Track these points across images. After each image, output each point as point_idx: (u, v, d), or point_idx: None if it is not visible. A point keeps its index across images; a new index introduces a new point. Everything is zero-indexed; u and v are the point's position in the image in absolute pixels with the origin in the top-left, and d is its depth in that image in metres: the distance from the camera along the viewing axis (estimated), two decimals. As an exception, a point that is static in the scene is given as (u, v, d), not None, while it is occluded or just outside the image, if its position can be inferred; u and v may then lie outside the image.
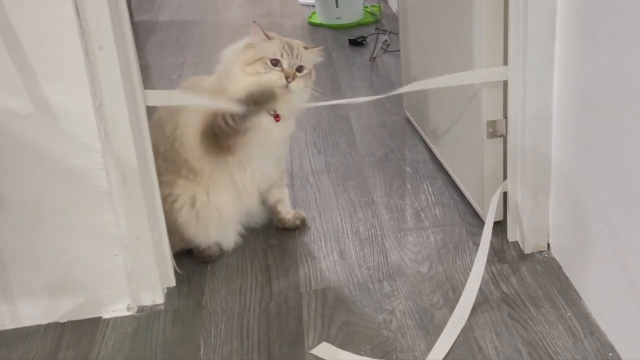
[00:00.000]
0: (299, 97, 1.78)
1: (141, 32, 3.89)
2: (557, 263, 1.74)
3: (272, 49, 1.73)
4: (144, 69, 2.82)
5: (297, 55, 1.75)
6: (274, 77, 1.72)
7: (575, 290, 1.65)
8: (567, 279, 1.69)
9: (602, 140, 1.45)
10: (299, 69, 1.75)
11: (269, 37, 1.75)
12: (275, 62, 1.73)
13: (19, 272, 1.62)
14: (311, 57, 1.79)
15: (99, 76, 1.51)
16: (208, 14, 4.25)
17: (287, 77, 1.72)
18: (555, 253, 1.77)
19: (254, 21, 1.77)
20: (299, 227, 1.98)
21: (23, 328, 1.66)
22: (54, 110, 1.49)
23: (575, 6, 1.49)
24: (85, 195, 1.56)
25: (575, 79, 1.54)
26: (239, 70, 1.74)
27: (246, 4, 4.44)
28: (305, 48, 1.79)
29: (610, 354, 1.46)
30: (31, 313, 1.66)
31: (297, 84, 1.74)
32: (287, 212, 1.98)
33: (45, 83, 1.47)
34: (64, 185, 1.55)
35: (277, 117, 1.77)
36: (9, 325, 1.67)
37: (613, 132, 1.40)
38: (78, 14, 1.44)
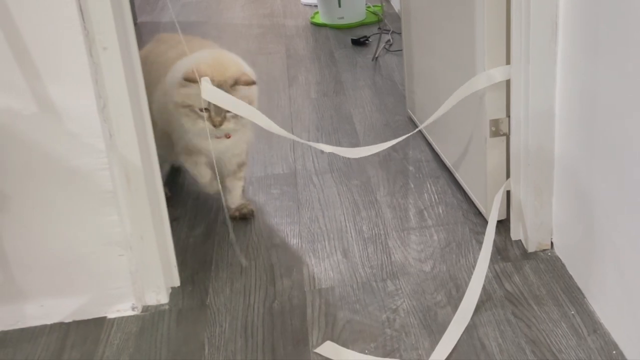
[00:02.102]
0: (240, 136, 1.88)
1: (144, 33, 3.89)
2: (561, 261, 1.74)
3: (199, 100, 1.72)
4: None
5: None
6: (202, 125, 1.77)
7: (579, 289, 1.65)
8: (570, 277, 1.69)
9: (605, 138, 1.45)
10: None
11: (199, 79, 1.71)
12: (203, 110, 1.75)
13: (24, 272, 1.62)
14: (243, 93, 1.77)
15: (102, 77, 1.51)
16: (210, 15, 4.26)
17: (214, 125, 1.76)
18: (558, 251, 1.77)
19: (192, 73, 1.72)
20: (246, 218, 2.04)
21: (28, 328, 1.67)
22: (58, 111, 1.50)
23: (578, 4, 1.50)
24: (90, 195, 1.57)
25: (577, 77, 1.54)
26: (173, 107, 1.80)
27: (249, 5, 4.45)
28: (235, 84, 1.75)
29: (614, 352, 1.47)
30: (36, 313, 1.66)
31: (227, 126, 1.78)
32: (233, 201, 2.05)
33: (49, 83, 1.47)
34: (68, 186, 1.56)
35: (227, 135, 1.84)
36: (14, 325, 1.67)
37: (616, 130, 1.40)
38: (82, 14, 1.44)
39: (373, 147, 1.95)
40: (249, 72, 1.83)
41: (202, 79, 1.71)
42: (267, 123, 1.76)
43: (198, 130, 1.80)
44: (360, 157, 2.35)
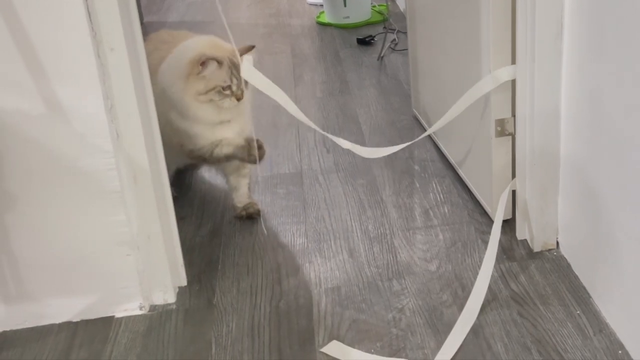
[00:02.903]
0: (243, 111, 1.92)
1: (150, 33, 3.90)
2: (566, 261, 1.74)
3: (222, 77, 1.79)
4: (154, 69, 2.83)
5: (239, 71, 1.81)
6: (228, 103, 1.82)
7: (585, 288, 1.65)
8: (576, 277, 1.69)
9: (611, 137, 1.45)
10: (245, 83, 1.83)
11: (219, 62, 1.78)
12: (226, 87, 1.80)
13: (32, 271, 1.63)
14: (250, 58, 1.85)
15: (110, 77, 1.52)
16: (216, 15, 4.25)
17: (237, 99, 1.82)
18: (564, 251, 1.77)
19: (205, 55, 1.78)
20: (252, 217, 2.04)
21: (36, 327, 1.68)
22: (66, 111, 1.50)
23: (583, 3, 1.50)
24: (97, 195, 1.58)
25: (583, 76, 1.54)
26: (191, 100, 1.81)
27: (254, 4, 4.45)
28: (240, 54, 1.82)
29: (620, 352, 1.47)
30: (44, 312, 1.67)
31: (245, 97, 1.85)
32: (239, 200, 2.06)
33: (57, 84, 1.48)
34: (76, 186, 1.57)
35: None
36: (22, 324, 1.68)
37: (622, 129, 1.40)
38: (89, 16, 1.45)
39: (388, 149, 1.99)
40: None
41: (244, 58, 1.80)
42: (291, 107, 1.83)
43: (214, 114, 1.83)
44: (366, 156, 2.36)
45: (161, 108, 1.85)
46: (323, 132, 1.97)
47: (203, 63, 1.77)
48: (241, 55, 1.82)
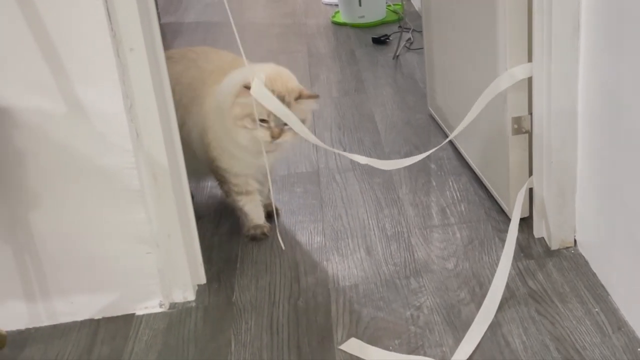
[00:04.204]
0: (286, 147, 1.83)
1: (168, 34, 3.94)
2: (584, 259, 1.74)
3: (260, 109, 1.71)
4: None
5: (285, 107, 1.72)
6: (261, 135, 1.74)
7: (603, 286, 1.65)
8: (594, 274, 1.69)
9: (629, 134, 1.45)
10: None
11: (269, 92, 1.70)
12: (263, 120, 1.73)
13: (54, 269, 1.66)
14: (305, 107, 1.78)
15: (129, 77, 1.54)
16: (232, 15, 4.27)
17: (272, 136, 1.74)
18: (581, 249, 1.77)
19: (244, 86, 1.71)
20: (271, 216, 2.00)
21: (59, 325, 1.70)
22: (87, 111, 1.52)
23: (600, 1, 1.49)
24: (118, 194, 1.60)
25: (600, 73, 1.54)
26: (231, 123, 1.76)
27: (270, 4, 4.47)
28: (299, 97, 1.75)
29: (639, 349, 1.46)
30: (67, 310, 1.70)
31: (284, 139, 1.75)
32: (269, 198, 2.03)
33: (78, 85, 1.50)
34: (97, 185, 1.59)
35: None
36: (45, 322, 1.71)
37: (639, 127, 1.40)
38: (109, 16, 1.47)
39: (407, 160, 1.94)
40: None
41: (256, 75, 1.70)
42: (310, 136, 1.77)
43: (253, 143, 1.77)
44: (383, 152, 2.36)
45: (211, 122, 1.86)
46: (337, 151, 1.97)
47: (248, 88, 1.71)
48: (302, 98, 1.76)
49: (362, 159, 1.87)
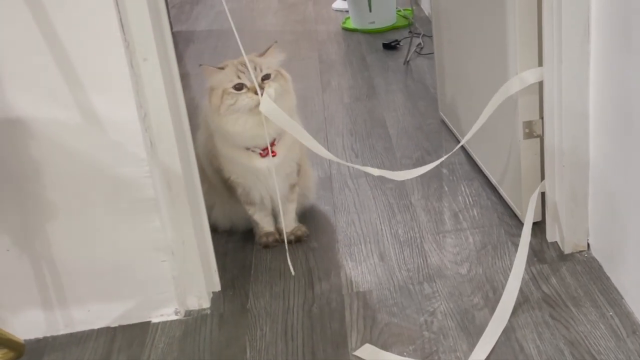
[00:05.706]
0: (283, 102, 1.75)
1: (180, 42, 3.96)
2: (598, 263, 1.74)
3: (228, 76, 1.72)
4: (184, 77, 2.88)
5: (255, 67, 1.73)
6: (245, 101, 1.71)
7: (617, 290, 1.65)
8: (607, 278, 1.69)
9: (641, 139, 1.45)
10: (265, 77, 1.74)
11: (220, 68, 1.75)
12: (239, 87, 1.72)
13: (71, 278, 1.67)
14: (271, 60, 1.78)
15: (143, 87, 1.56)
16: (244, 22, 4.30)
17: (255, 93, 1.70)
18: (595, 253, 1.77)
19: (200, 64, 1.77)
20: (300, 241, 1.99)
21: (76, 333, 1.72)
22: (102, 121, 1.54)
23: (610, 3, 1.50)
24: (133, 202, 1.61)
25: (611, 77, 1.54)
26: (218, 117, 1.75)
27: (281, 11, 4.49)
28: (260, 55, 1.78)
29: (654, 352, 1.46)
30: (84, 318, 1.71)
31: (269, 90, 1.71)
32: (286, 225, 1.97)
33: (93, 94, 1.52)
34: (112, 194, 1.61)
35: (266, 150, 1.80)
36: (62, 330, 1.72)
37: (651, 130, 1.40)
38: (122, 27, 1.48)
39: (419, 169, 1.94)
40: None
41: (265, 91, 1.70)
42: (311, 142, 1.76)
43: (244, 124, 1.73)
44: (395, 158, 2.37)
45: (205, 136, 1.89)
46: (349, 164, 1.98)
47: (208, 74, 1.75)
48: (263, 54, 1.78)
49: (375, 171, 1.86)
